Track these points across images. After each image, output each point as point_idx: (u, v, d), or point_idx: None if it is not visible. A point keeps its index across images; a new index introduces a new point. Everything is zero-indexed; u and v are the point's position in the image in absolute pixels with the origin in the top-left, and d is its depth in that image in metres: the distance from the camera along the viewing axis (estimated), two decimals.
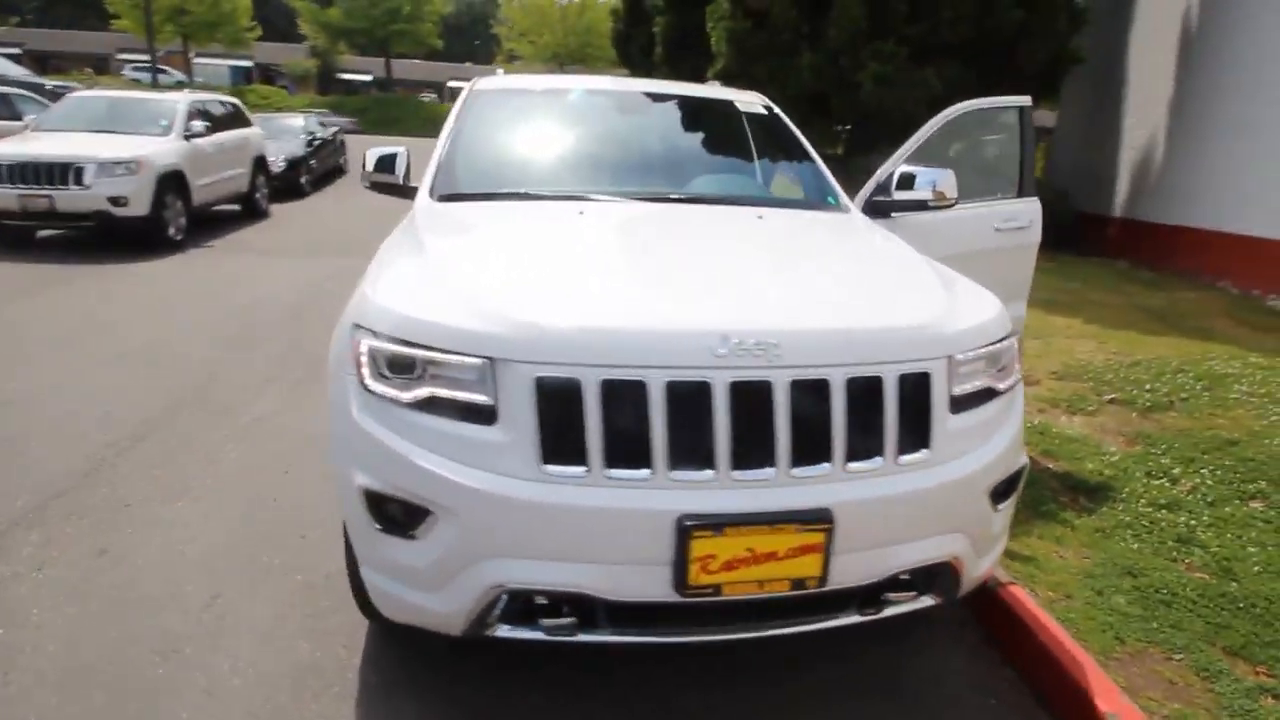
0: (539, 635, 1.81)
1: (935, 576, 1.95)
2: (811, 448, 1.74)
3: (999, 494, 2.01)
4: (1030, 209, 3.70)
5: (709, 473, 1.69)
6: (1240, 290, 6.82)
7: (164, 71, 31.31)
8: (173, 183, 8.46)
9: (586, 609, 1.78)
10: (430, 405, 1.76)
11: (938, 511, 1.86)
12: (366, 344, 1.84)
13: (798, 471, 1.73)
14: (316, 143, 14.34)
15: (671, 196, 2.85)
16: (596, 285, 1.98)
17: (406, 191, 3.07)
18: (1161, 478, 3.38)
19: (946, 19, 7.77)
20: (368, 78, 46.70)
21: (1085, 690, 2.09)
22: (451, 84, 51.78)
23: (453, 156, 2.99)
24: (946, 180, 3.15)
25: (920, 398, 1.83)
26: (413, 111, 37.08)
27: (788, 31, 8.44)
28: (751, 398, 1.70)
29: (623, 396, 1.67)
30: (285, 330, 5.55)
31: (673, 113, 3.46)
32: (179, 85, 26.69)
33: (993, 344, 2.00)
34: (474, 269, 2.05)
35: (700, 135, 3.37)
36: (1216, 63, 7.62)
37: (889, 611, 1.97)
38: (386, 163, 3.07)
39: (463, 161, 2.98)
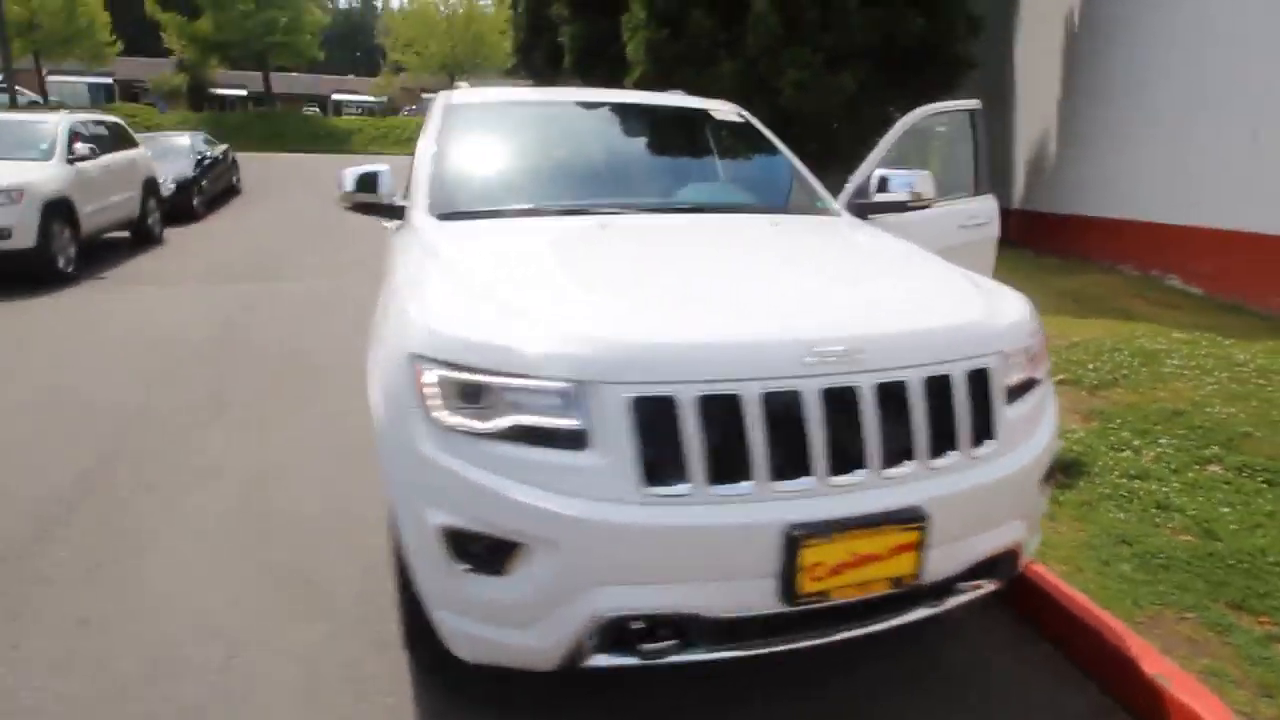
0: (635, 661, 1.76)
1: (999, 561, 2.02)
2: (896, 448, 1.77)
3: (1046, 477, 2.11)
4: (989, 206, 3.91)
5: (809, 480, 1.69)
6: (1141, 272, 7.42)
7: (18, 91, 28.74)
8: (59, 210, 7.78)
9: (683, 628, 1.74)
10: (514, 434, 1.69)
11: (1006, 499, 1.93)
12: (435, 374, 1.74)
13: (888, 472, 1.76)
14: (207, 162, 13.51)
15: (677, 206, 2.85)
16: (666, 301, 1.95)
17: (393, 211, 2.94)
18: (1125, 450, 3.62)
19: (858, 26, 8.10)
20: (242, 92, 44.40)
21: (1127, 655, 2.21)
22: (336, 96, 50.05)
23: (443, 173, 2.88)
24: (924, 181, 3.28)
25: (983, 392, 1.90)
26: (297, 126, 35.51)
27: (705, 39, 8.58)
28: (840, 403, 1.72)
29: (719, 411, 1.65)
30: (209, 365, 5.19)
31: (654, 123, 3.46)
32: (33, 105, 24.58)
33: (1031, 337, 2.10)
34: (526, 290, 1.98)
35: (686, 144, 3.38)
36: (1098, 67, 8.28)
37: (953, 601, 2.02)
38: (367, 182, 2.93)
39: (456, 178, 2.88)
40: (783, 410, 1.68)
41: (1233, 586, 2.62)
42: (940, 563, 1.83)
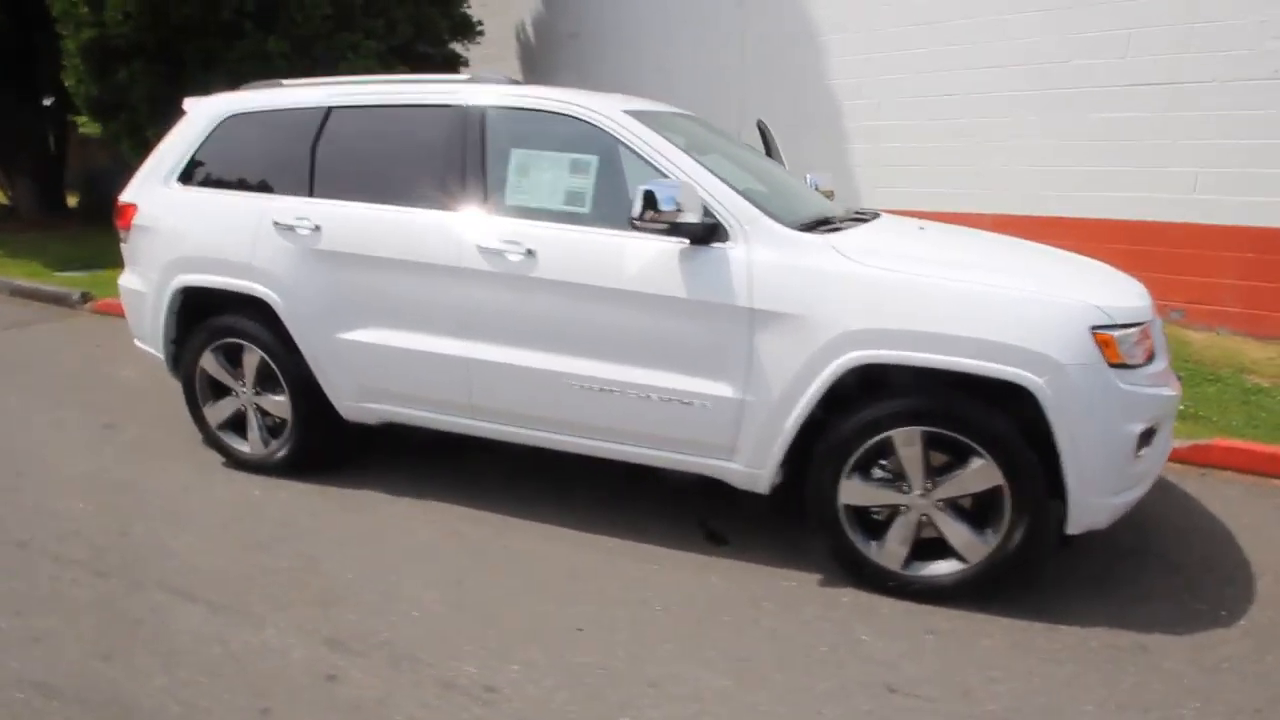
0: None
1: None
2: None
3: None
4: None
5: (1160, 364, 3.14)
6: None
7: None
8: None
9: None
10: (1146, 360, 2.69)
11: None
12: (1116, 335, 2.58)
13: None
14: None
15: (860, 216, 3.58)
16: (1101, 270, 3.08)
17: (683, 230, 2.83)
18: None
19: (399, 18, 8.12)
20: None
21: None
22: None
23: (738, 188, 2.97)
24: (825, 179, 4.66)
25: None
26: None
27: (228, 8, 7.18)
28: None
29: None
30: None
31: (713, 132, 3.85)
32: None
33: None
34: (1054, 273, 2.86)
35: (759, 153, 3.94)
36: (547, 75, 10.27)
37: None
38: (651, 199, 2.74)
39: (758, 192, 3.01)
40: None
41: None
42: None
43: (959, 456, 2.73)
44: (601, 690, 2.38)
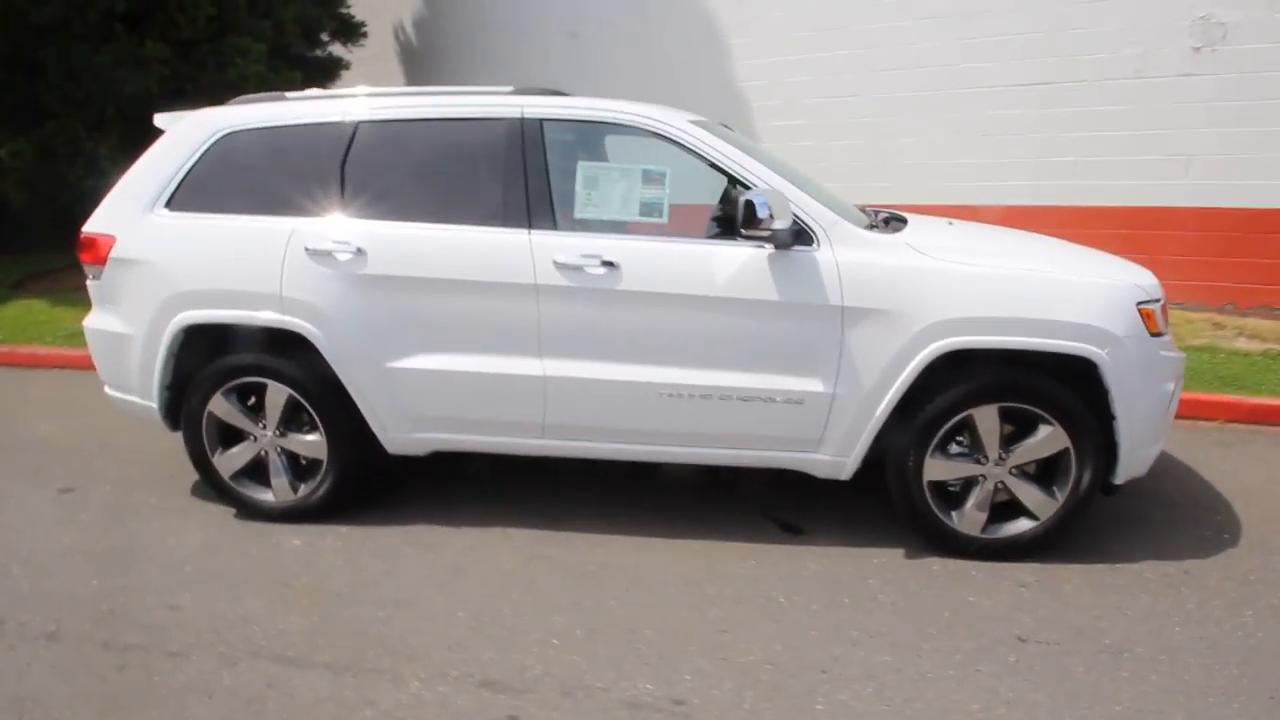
0: None
1: None
2: None
3: None
4: None
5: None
6: None
7: None
8: None
9: None
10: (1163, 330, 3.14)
11: None
12: (1151, 309, 2.99)
13: None
14: None
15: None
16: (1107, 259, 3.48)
17: (778, 238, 2.97)
18: None
19: (286, 19, 7.54)
20: None
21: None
22: None
23: (813, 193, 3.15)
24: None
25: None
26: None
27: (96, 11, 6.35)
28: None
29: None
30: None
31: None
32: None
33: None
34: (1078, 262, 3.23)
35: None
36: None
37: None
38: (751, 209, 2.89)
39: (822, 198, 3.17)
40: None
41: None
42: None
43: (1024, 426, 3.06)
44: (781, 684, 2.47)
